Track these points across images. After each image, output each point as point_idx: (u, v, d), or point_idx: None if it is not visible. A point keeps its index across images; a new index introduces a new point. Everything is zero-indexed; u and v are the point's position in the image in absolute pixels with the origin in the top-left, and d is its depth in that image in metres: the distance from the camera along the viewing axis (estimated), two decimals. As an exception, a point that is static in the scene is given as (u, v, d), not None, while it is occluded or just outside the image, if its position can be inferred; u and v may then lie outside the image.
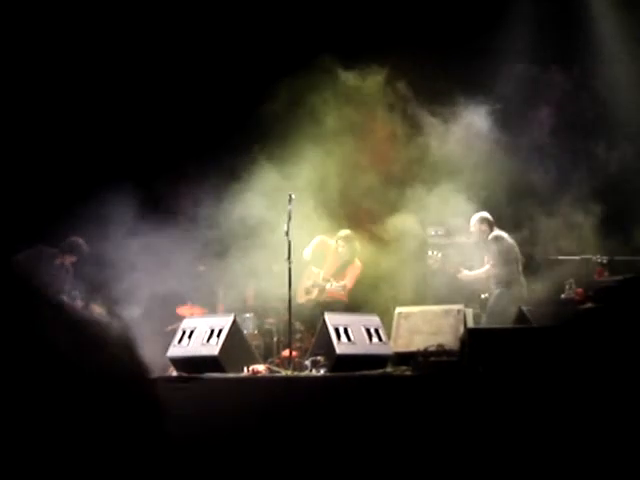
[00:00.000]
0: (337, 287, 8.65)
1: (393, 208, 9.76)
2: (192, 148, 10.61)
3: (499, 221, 8.77)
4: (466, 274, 8.64)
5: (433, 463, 4.88)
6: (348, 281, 8.84)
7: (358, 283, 9.05)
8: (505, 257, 8.40)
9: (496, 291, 8.38)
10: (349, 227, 9.33)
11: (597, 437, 4.60)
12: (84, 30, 10.16)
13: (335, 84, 10.06)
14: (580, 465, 4.57)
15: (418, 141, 9.91)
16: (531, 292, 8.50)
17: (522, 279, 8.46)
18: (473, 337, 5.71)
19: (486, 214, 8.70)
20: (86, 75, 10.28)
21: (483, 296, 8.66)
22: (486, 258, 8.58)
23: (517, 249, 8.57)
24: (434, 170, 9.69)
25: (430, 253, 9.11)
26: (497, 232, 8.57)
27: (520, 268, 8.49)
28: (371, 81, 10.10)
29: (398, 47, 9.75)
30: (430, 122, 9.88)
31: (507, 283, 8.34)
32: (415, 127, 10.01)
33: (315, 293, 9.03)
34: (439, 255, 8.95)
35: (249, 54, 10.52)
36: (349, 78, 10.09)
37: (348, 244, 8.97)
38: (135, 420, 0.94)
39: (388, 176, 10.06)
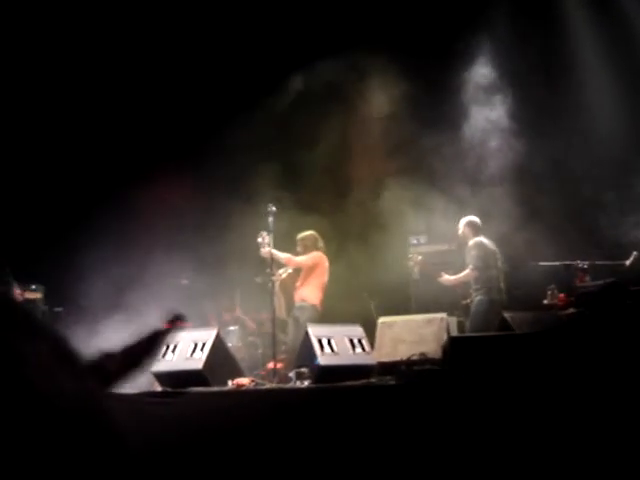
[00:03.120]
0: (285, 255, 8.64)
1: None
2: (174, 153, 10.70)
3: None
4: (447, 278, 8.70)
5: (418, 472, 4.89)
6: (303, 259, 8.86)
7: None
8: (485, 263, 8.44)
9: (476, 298, 8.42)
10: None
11: (579, 441, 4.63)
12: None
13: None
14: (562, 469, 4.60)
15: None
16: (513, 298, 8.54)
17: (502, 285, 8.50)
18: (455, 345, 5.72)
19: (475, 219, 8.74)
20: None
21: (464, 302, 8.70)
22: (467, 263, 8.63)
23: (499, 256, 8.61)
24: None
25: (410, 255, 9.23)
26: (479, 238, 8.62)
27: (501, 275, 8.53)
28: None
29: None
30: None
31: (487, 289, 8.37)
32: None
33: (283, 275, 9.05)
34: (419, 257, 9.04)
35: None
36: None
37: (302, 242, 8.98)
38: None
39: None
